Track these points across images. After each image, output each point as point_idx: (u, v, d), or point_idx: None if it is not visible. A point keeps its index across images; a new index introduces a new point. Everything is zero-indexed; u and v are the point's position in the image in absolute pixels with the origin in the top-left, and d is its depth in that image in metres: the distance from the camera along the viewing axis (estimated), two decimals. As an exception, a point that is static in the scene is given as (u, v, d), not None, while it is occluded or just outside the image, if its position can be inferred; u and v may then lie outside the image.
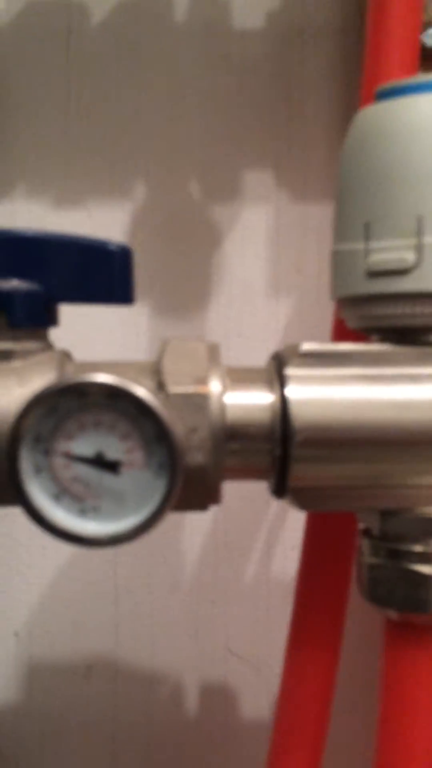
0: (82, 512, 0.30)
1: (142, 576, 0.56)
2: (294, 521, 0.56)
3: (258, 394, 0.33)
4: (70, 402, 0.29)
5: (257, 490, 0.55)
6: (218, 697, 0.57)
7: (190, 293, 0.55)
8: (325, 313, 0.54)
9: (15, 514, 0.55)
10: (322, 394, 0.33)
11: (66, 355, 0.35)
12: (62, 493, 0.30)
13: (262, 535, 0.56)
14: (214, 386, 0.32)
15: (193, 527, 0.56)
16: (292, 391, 0.33)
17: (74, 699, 0.57)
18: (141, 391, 0.29)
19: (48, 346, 0.35)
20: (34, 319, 0.34)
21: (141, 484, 0.30)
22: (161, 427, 0.29)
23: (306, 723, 0.40)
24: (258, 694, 0.57)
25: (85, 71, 0.54)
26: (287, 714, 0.41)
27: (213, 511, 0.55)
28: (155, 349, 0.54)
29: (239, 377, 0.34)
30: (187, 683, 0.57)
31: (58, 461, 0.30)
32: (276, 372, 0.34)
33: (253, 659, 0.57)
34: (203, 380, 0.32)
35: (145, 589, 0.56)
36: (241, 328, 0.55)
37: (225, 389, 0.33)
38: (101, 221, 0.54)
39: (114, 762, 0.57)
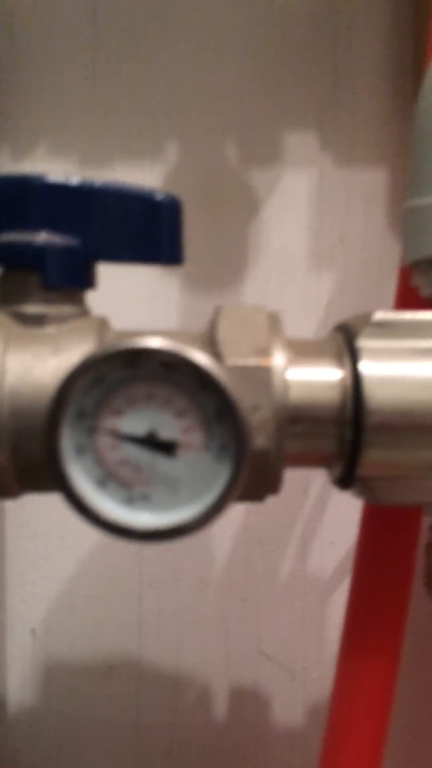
0: (130, 500, 0.26)
1: (169, 571, 0.53)
2: (333, 514, 0.52)
3: (325, 370, 0.29)
4: (119, 372, 0.25)
5: (294, 478, 0.51)
6: (248, 703, 0.53)
7: (224, 265, 0.51)
8: (372, 288, 0.50)
9: (31, 501, 0.51)
10: (400, 369, 0.29)
11: (104, 322, 0.31)
12: (108, 478, 0.26)
13: (298, 528, 0.52)
14: (278, 359, 0.28)
15: (223, 519, 0.52)
16: (365, 367, 0.28)
17: (94, 701, 0.53)
18: (203, 360, 0.25)
19: (85, 312, 0.31)
20: (70, 279, 0.30)
21: (198, 470, 0.26)
22: (226, 403, 0.25)
23: (361, 740, 0.36)
24: (292, 700, 0.53)
25: (114, 25, 0.50)
26: (338, 731, 0.37)
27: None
28: (187, 323, 0.51)
29: (303, 350, 0.30)
30: (214, 687, 0.53)
31: (104, 441, 0.25)
32: (345, 344, 0.30)
33: (287, 662, 0.53)
34: (265, 352, 0.28)
35: (172, 586, 0.53)
36: (279, 303, 0.51)
37: (288, 363, 0.29)
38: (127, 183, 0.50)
39: (137, 766, 0.54)
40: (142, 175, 0.50)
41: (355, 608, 0.37)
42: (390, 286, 0.50)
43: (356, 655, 0.37)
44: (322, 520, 0.52)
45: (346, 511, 0.52)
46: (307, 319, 0.50)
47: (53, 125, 0.50)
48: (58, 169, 0.50)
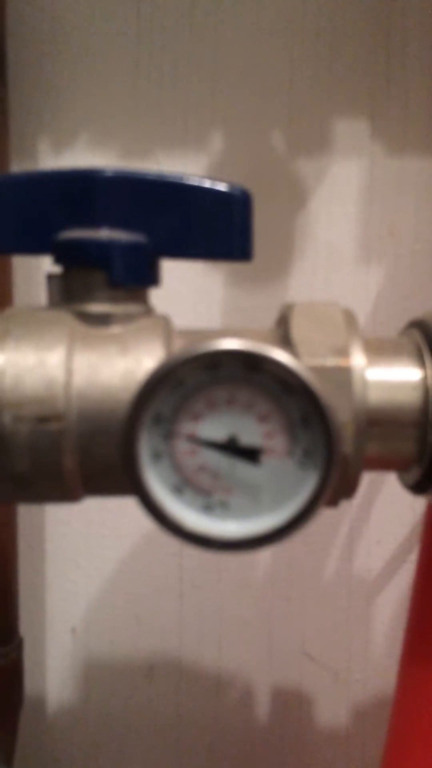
0: (208, 508, 0.25)
1: (210, 570, 0.52)
2: (379, 513, 0.51)
3: (405, 370, 0.28)
4: (199, 375, 0.24)
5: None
6: (291, 704, 0.53)
7: (270, 258, 0.50)
8: (422, 280, 0.48)
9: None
10: None
11: (169, 321, 0.30)
12: (185, 484, 0.25)
13: (344, 527, 0.51)
14: (357, 359, 0.27)
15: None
16: (450, 366, 0.27)
17: (134, 701, 0.53)
18: (290, 360, 0.23)
19: (149, 310, 0.30)
20: (136, 276, 0.29)
21: (281, 477, 0.24)
22: (316, 405, 0.23)
23: (427, 736, 0.35)
24: (336, 702, 0.53)
25: (157, 12, 0.48)
26: (403, 725, 0.36)
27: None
28: (230, 318, 0.50)
29: (380, 349, 0.29)
30: (257, 687, 0.52)
31: (182, 446, 0.24)
32: (425, 342, 0.28)
33: (330, 663, 0.52)
34: (344, 351, 0.27)
35: (214, 585, 0.52)
36: (325, 296, 0.50)
37: (368, 364, 0.27)
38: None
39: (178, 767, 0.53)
40: (185, 164, 0.49)
41: (421, 611, 0.36)
42: (443, 280, 0.49)
43: (422, 660, 0.35)
44: (368, 519, 0.51)
45: (392, 511, 0.51)
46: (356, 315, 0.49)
47: (94, 116, 0.49)
48: (100, 161, 0.49)
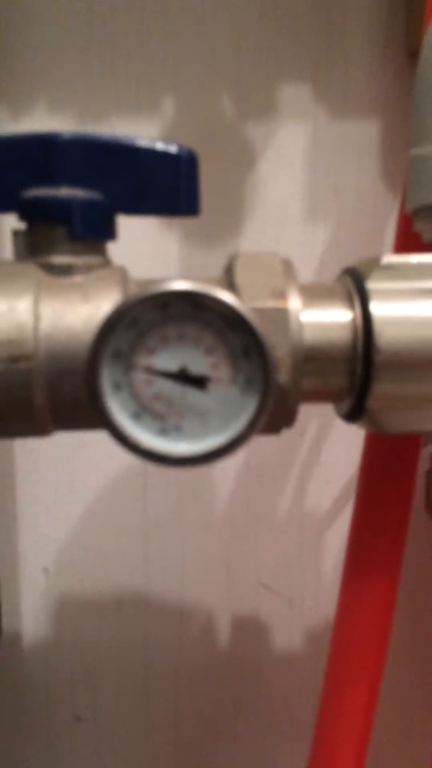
0: (163, 431, 0.28)
1: (173, 511, 0.55)
2: (328, 455, 0.55)
3: (337, 311, 0.31)
4: (152, 314, 0.27)
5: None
6: (249, 631, 0.57)
7: (222, 217, 0.52)
8: (365, 238, 0.52)
9: (39, 450, 0.54)
10: (408, 309, 0.31)
11: (126, 272, 0.33)
12: (143, 411, 0.28)
13: (296, 469, 0.55)
14: (293, 302, 0.30)
15: (224, 462, 0.55)
16: (375, 307, 0.31)
17: (104, 634, 0.56)
18: (232, 300, 0.27)
19: (107, 262, 0.33)
20: (94, 231, 0.32)
21: (226, 402, 0.28)
22: (254, 339, 0.27)
23: (365, 647, 0.39)
24: (290, 627, 0.57)
25: (109, -27, 0.50)
26: (346, 634, 0.40)
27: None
28: (185, 275, 0.53)
29: (315, 293, 0.32)
30: (218, 617, 0.56)
31: (139, 377, 0.28)
32: (355, 287, 0.32)
33: (285, 592, 0.56)
34: (282, 295, 0.30)
35: (176, 524, 0.55)
36: (275, 254, 0.53)
37: (303, 306, 0.31)
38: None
39: (145, 695, 0.57)
40: (138, 129, 0.51)
41: (359, 530, 0.40)
42: (382, 235, 0.52)
43: (360, 572, 0.40)
44: (318, 461, 0.55)
45: (340, 452, 0.55)
46: (303, 269, 0.52)
47: (51, 82, 0.50)
48: (57, 125, 0.51)
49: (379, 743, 0.45)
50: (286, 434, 0.54)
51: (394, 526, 0.39)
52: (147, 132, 0.51)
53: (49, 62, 0.50)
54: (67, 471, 0.54)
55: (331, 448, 0.55)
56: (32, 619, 0.56)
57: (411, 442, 0.39)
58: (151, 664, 0.57)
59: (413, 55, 0.50)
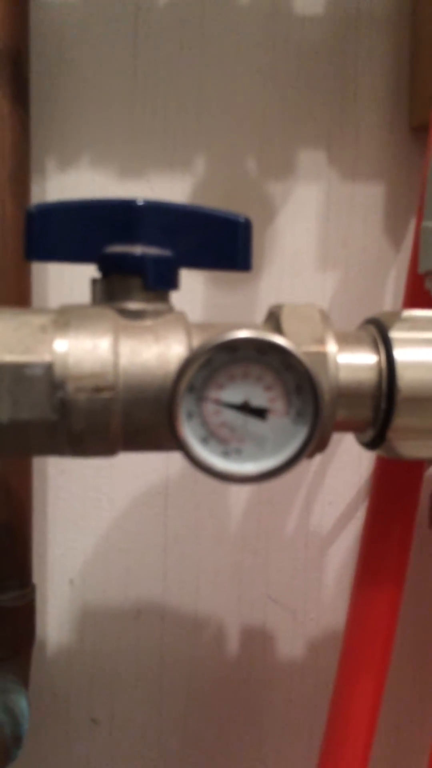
0: (226, 454, 0.33)
1: (190, 527, 0.60)
2: (332, 479, 0.61)
3: (365, 356, 0.37)
4: (223, 356, 0.33)
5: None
6: (257, 640, 0.61)
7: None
8: (369, 285, 0.58)
9: (70, 470, 0.59)
10: (424, 355, 0.37)
11: (186, 316, 0.38)
12: (210, 436, 0.33)
13: (302, 491, 0.61)
14: (331, 347, 0.36)
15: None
16: (398, 353, 0.37)
17: (124, 641, 0.60)
18: (290, 346, 0.33)
19: (171, 308, 0.38)
20: (163, 282, 0.37)
21: (280, 431, 0.33)
22: (307, 379, 0.33)
23: (373, 648, 0.45)
24: (294, 636, 0.62)
25: (151, 48, 0.56)
26: (356, 638, 0.45)
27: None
28: (209, 313, 0.59)
29: (346, 339, 0.38)
30: (228, 626, 0.61)
31: (209, 407, 0.33)
32: (380, 335, 0.38)
33: (290, 605, 0.61)
34: (321, 341, 0.36)
35: (193, 540, 0.60)
36: (289, 297, 0.59)
37: (338, 350, 0.37)
38: (162, 193, 0.57)
39: (159, 699, 0.61)
40: (173, 183, 0.57)
41: (369, 543, 0.46)
42: (384, 283, 0.59)
43: (370, 580, 0.45)
44: (322, 484, 0.61)
45: (342, 477, 0.61)
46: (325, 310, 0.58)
47: (95, 138, 0.56)
48: (100, 178, 0.56)
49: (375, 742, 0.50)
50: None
51: (399, 539, 0.45)
52: (180, 186, 0.57)
53: (95, 119, 0.56)
54: (94, 489, 0.59)
55: (334, 473, 0.60)
56: (57, 627, 0.60)
57: (415, 467, 0.45)
58: (165, 670, 0.61)
59: (415, 128, 0.57)
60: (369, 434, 0.39)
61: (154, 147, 0.57)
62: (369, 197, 0.58)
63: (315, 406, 0.33)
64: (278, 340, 0.32)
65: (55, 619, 0.60)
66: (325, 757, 0.47)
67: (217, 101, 0.57)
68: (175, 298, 0.59)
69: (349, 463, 0.60)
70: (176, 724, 0.62)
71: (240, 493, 0.60)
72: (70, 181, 0.56)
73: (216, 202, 0.57)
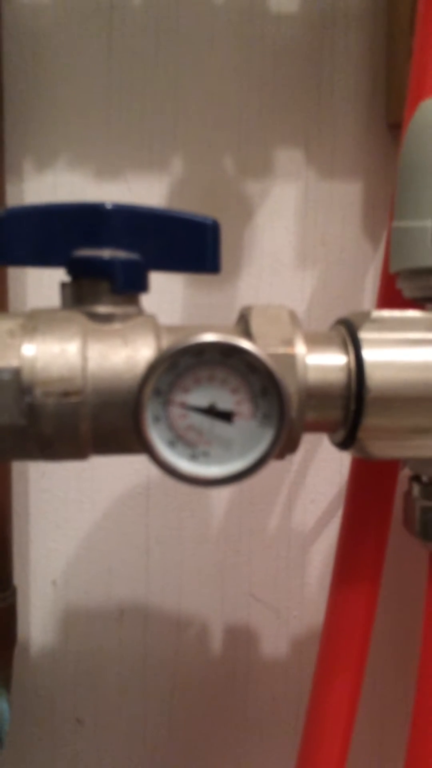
0: (193, 457, 0.33)
1: (172, 528, 0.60)
2: (313, 478, 0.61)
3: (334, 356, 0.37)
4: (189, 359, 0.33)
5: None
6: (240, 639, 0.62)
7: (223, 264, 0.58)
8: (347, 283, 0.58)
9: (52, 472, 0.59)
10: (392, 356, 0.37)
11: (156, 319, 0.38)
12: (177, 439, 0.33)
13: (284, 491, 0.61)
14: (300, 348, 0.36)
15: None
16: (366, 354, 0.37)
17: (107, 642, 0.61)
18: (255, 349, 0.33)
19: (141, 311, 0.38)
20: (132, 285, 0.37)
21: (247, 433, 0.33)
22: (272, 382, 0.33)
23: (350, 645, 0.45)
24: (277, 635, 0.62)
25: (126, 48, 0.56)
26: (333, 636, 0.46)
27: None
28: (189, 313, 0.59)
29: (315, 340, 0.38)
30: (212, 626, 0.61)
31: (175, 411, 0.33)
32: (349, 336, 0.38)
33: (273, 603, 0.61)
34: (290, 342, 0.36)
35: (175, 540, 0.60)
36: (269, 296, 0.59)
37: (307, 351, 0.37)
38: (140, 193, 0.57)
39: (143, 699, 0.61)
40: (150, 184, 0.57)
41: (347, 541, 0.46)
42: (363, 281, 0.59)
43: (347, 578, 0.45)
44: (304, 483, 0.61)
45: (323, 476, 0.61)
46: (294, 310, 0.58)
47: (72, 140, 0.56)
48: (77, 179, 0.56)
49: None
50: (275, 461, 0.60)
51: (375, 537, 0.45)
52: (158, 186, 0.57)
53: (71, 121, 0.56)
54: (75, 491, 0.59)
55: (315, 472, 0.60)
56: (40, 628, 0.60)
57: (390, 467, 0.45)
58: (149, 670, 0.61)
59: (392, 126, 0.57)
60: (340, 434, 0.39)
61: (131, 147, 0.57)
62: (347, 195, 0.58)
63: (280, 409, 0.33)
64: (242, 343, 0.32)
65: (39, 620, 0.60)
66: (304, 754, 0.47)
67: (194, 101, 0.57)
68: (155, 299, 0.59)
69: (330, 462, 0.60)
70: (160, 723, 0.62)
71: (222, 493, 0.60)
72: (47, 183, 0.56)
73: (194, 201, 0.57)
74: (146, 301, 0.57)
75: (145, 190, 0.57)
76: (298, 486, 0.61)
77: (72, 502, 0.59)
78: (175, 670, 0.61)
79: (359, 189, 0.58)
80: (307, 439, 0.51)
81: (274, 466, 0.60)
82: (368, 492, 0.46)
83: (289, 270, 0.59)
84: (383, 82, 0.57)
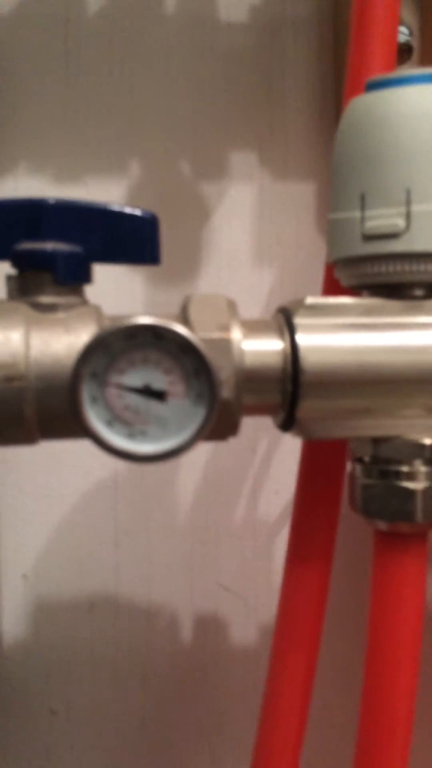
0: (131, 435, 0.35)
1: (140, 520, 0.62)
2: (276, 468, 0.62)
3: (271, 341, 0.39)
4: (122, 342, 0.35)
5: (245, 440, 0.62)
6: (210, 627, 0.63)
7: (181, 263, 0.60)
8: (303, 280, 0.60)
9: (21, 467, 0.60)
10: (326, 340, 0.39)
11: (100, 309, 0.40)
12: (115, 419, 0.35)
13: (249, 481, 0.62)
14: (235, 333, 0.38)
15: (186, 475, 0.62)
16: (300, 338, 0.38)
17: (78, 634, 0.62)
18: (184, 331, 0.34)
19: (85, 301, 0.40)
20: (74, 276, 0.39)
21: (181, 412, 0.35)
22: (202, 362, 0.34)
23: (304, 623, 0.46)
24: (246, 623, 0.63)
25: (82, 58, 0.58)
26: (287, 616, 0.47)
27: (204, 460, 0.62)
28: (149, 311, 0.60)
29: (253, 327, 0.40)
30: (181, 616, 0.63)
31: (112, 392, 0.35)
32: (285, 322, 0.40)
33: (241, 592, 0.63)
34: (226, 328, 0.38)
35: (143, 533, 0.62)
36: (228, 294, 0.60)
37: (243, 337, 0.39)
38: (99, 196, 0.59)
39: (115, 689, 0.63)
40: (109, 188, 0.59)
41: (297, 525, 0.47)
42: (319, 278, 0.61)
43: (300, 558, 0.47)
44: (268, 474, 0.62)
45: (287, 466, 0.62)
46: (252, 308, 0.60)
47: (31, 146, 0.58)
48: (37, 184, 0.58)
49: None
50: (240, 451, 0.62)
51: (326, 517, 0.47)
52: (117, 190, 0.59)
53: (30, 128, 0.58)
54: (44, 486, 0.61)
55: (279, 462, 0.62)
56: (11, 621, 0.61)
57: (340, 448, 0.47)
58: (120, 661, 0.63)
59: (343, 126, 0.59)
60: (281, 417, 0.41)
61: (89, 153, 0.59)
62: (301, 195, 0.60)
63: (210, 388, 0.34)
64: (171, 325, 0.34)
65: (10, 613, 0.61)
66: (261, 734, 0.48)
67: (149, 107, 0.59)
68: (114, 297, 0.61)
69: (293, 453, 0.61)
70: (133, 713, 0.63)
71: (188, 484, 0.62)
72: (7, 189, 0.58)
73: (152, 204, 0.58)
74: (106, 299, 0.59)
75: (104, 194, 0.59)
76: (262, 477, 0.62)
77: (40, 497, 0.61)
78: (146, 660, 0.63)
79: (312, 189, 0.60)
80: (269, 431, 0.52)
81: (238, 457, 0.62)
82: (318, 472, 0.47)
83: (246, 268, 0.61)
84: (332, 85, 0.59)
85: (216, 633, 0.63)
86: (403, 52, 0.52)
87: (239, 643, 0.63)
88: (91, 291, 0.56)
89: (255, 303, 0.60)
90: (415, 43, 0.55)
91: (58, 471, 0.60)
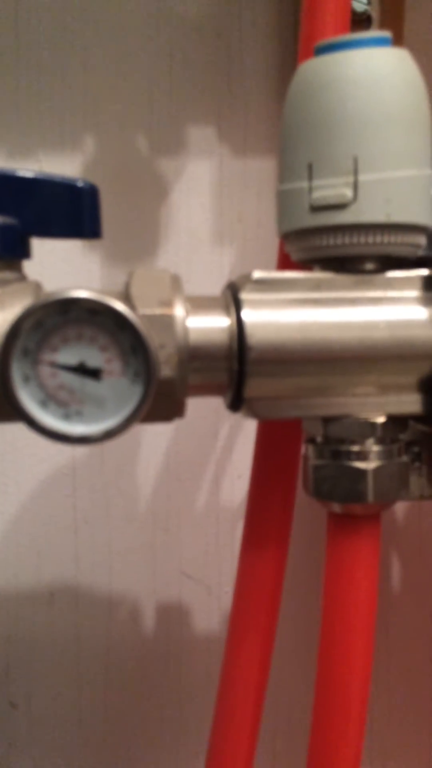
0: (67, 416, 0.34)
1: (100, 508, 0.60)
2: (239, 453, 0.61)
3: (216, 318, 0.37)
4: (55, 317, 0.33)
5: (206, 425, 0.60)
6: (173, 616, 0.62)
7: (139, 242, 0.59)
8: (264, 258, 0.59)
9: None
10: (273, 316, 0.37)
11: (39, 285, 0.38)
12: (48, 399, 0.33)
13: (211, 467, 0.61)
14: (178, 310, 0.36)
15: (147, 461, 0.60)
16: (246, 314, 0.37)
17: (38, 625, 0.60)
18: (120, 306, 0.33)
19: (23, 277, 0.38)
20: (10, 251, 0.37)
21: (119, 391, 0.34)
22: (138, 339, 0.33)
23: (259, 607, 0.45)
24: (209, 611, 0.62)
25: (34, 30, 0.56)
26: (243, 598, 0.46)
27: (165, 446, 0.60)
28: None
29: (199, 303, 0.38)
30: (144, 604, 0.61)
31: (45, 370, 0.33)
32: (231, 297, 0.38)
33: (204, 580, 0.62)
34: (168, 303, 0.36)
35: (103, 520, 0.60)
36: (188, 273, 0.59)
37: (187, 313, 0.37)
38: (53, 171, 0.57)
39: (77, 680, 0.61)
40: (63, 163, 0.57)
41: (253, 508, 0.46)
42: (279, 257, 0.59)
43: (254, 543, 0.46)
44: (230, 459, 0.61)
45: (249, 450, 0.61)
46: (212, 286, 0.58)
47: (-17, 120, 0.56)
48: (-10, 159, 0.57)
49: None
50: (202, 435, 0.61)
51: (281, 499, 0.46)
52: (71, 167, 0.57)
53: (-18, 105, 0.56)
54: (1, 474, 0.59)
55: (241, 447, 0.61)
56: (-30, 613, 0.60)
57: (294, 430, 0.46)
58: (82, 651, 0.61)
59: (304, 100, 0.58)
60: (229, 396, 0.39)
61: (42, 128, 0.57)
62: (261, 172, 0.58)
63: (147, 365, 0.33)
64: (107, 300, 0.33)
65: (-32, 605, 0.60)
66: (218, 721, 0.47)
67: (104, 80, 0.57)
68: (72, 277, 0.59)
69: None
70: (95, 704, 0.62)
71: (148, 470, 0.60)
72: (-42, 165, 0.56)
73: (108, 180, 0.57)
74: (62, 279, 0.57)
75: (58, 169, 0.57)
76: (224, 462, 0.61)
77: (-3, 486, 0.59)
78: (108, 650, 0.61)
79: (273, 165, 0.58)
80: (231, 416, 0.51)
81: (200, 442, 0.61)
82: (272, 453, 0.46)
83: (206, 246, 0.59)
84: (292, 56, 0.58)
85: (179, 622, 0.62)
86: (362, 22, 0.51)
87: (203, 631, 0.62)
88: (44, 270, 0.54)
89: (216, 281, 0.58)
90: (375, 14, 0.53)
91: (14, 458, 0.59)
